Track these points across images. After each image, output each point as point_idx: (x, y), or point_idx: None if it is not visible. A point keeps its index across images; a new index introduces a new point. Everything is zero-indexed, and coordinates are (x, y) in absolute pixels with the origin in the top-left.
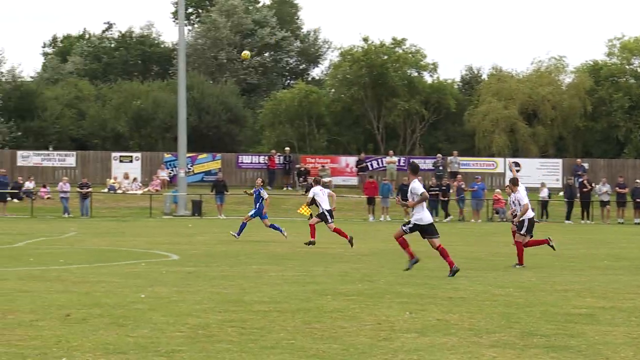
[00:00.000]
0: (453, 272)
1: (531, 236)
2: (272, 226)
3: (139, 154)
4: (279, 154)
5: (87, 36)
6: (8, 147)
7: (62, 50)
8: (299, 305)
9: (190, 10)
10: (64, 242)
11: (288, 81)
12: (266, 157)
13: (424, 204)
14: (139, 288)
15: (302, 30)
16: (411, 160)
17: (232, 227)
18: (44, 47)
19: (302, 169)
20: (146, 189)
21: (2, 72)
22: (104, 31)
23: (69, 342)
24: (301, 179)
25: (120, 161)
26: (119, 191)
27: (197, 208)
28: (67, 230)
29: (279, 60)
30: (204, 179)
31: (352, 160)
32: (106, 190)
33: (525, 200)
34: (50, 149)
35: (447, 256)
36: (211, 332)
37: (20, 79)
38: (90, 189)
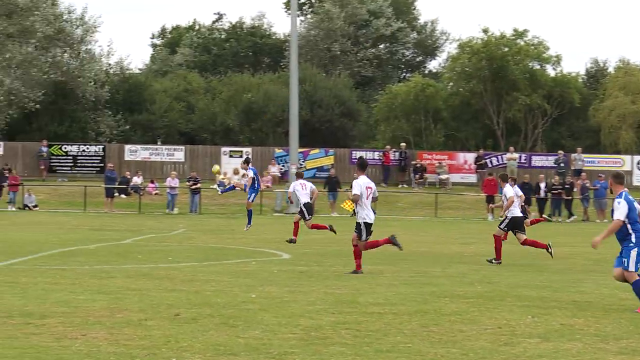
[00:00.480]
0: (354, 272)
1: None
2: (250, 213)
3: (249, 149)
4: (394, 149)
5: (196, 27)
6: (116, 141)
7: (171, 41)
8: (415, 307)
9: (302, 0)
10: (173, 240)
11: (404, 74)
12: (381, 153)
13: (367, 202)
14: (250, 287)
15: (419, 21)
16: (360, 156)
17: (344, 225)
18: (152, 38)
19: (419, 165)
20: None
21: (110, 64)
22: (214, 22)
23: (179, 342)
24: (417, 175)
25: (230, 156)
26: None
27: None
28: (175, 227)
29: (394, 52)
30: (316, 175)
31: (470, 156)
32: (215, 186)
33: (510, 194)
34: (159, 143)
35: (359, 258)
36: (324, 334)
37: (129, 71)
38: (198, 185)
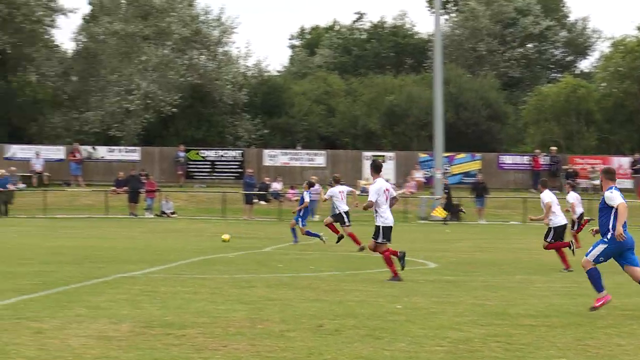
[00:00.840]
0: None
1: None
2: (308, 233)
3: (392, 154)
4: (544, 153)
5: (336, 27)
6: (254, 145)
7: (310, 42)
8: (569, 319)
9: None
10: (314, 248)
11: (554, 74)
12: (530, 157)
13: (386, 206)
14: (395, 298)
15: (568, 19)
16: (373, 158)
17: (493, 233)
18: (291, 39)
19: (570, 170)
20: (400, 192)
21: (248, 66)
22: (354, 22)
23: (322, 354)
24: (569, 181)
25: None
26: None
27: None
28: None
29: (543, 52)
30: (463, 180)
31: (625, 161)
32: (358, 192)
33: (546, 200)
34: (298, 147)
35: (391, 264)
36: (474, 347)
37: (267, 74)
38: None
